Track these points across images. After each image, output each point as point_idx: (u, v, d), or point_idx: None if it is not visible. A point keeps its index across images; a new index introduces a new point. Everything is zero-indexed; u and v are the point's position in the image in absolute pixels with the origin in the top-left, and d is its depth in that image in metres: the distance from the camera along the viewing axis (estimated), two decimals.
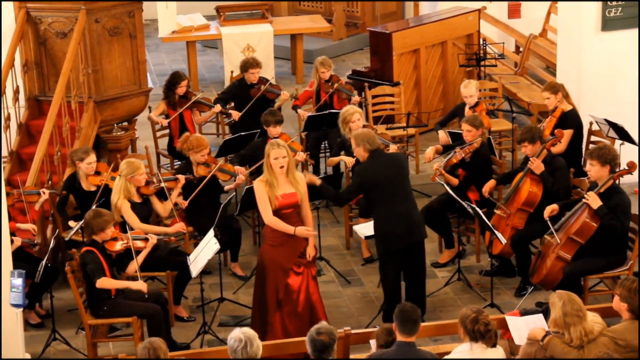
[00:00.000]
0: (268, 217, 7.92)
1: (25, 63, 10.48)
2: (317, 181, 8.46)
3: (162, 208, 9.05)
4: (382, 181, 8.26)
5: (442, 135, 10.35)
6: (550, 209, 8.51)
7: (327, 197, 8.73)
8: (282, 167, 7.86)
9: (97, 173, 9.17)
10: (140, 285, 7.99)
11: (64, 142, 9.92)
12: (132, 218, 8.69)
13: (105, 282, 7.88)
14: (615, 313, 6.74)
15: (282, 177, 7.92)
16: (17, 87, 10.31)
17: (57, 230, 9.04)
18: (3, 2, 10.27)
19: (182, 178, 9.15)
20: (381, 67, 12.31)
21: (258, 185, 7.94)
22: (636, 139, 9.81)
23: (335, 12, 15.81)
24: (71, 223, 9.02)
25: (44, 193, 8.93)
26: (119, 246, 8.08)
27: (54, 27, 10.39)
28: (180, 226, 8.85)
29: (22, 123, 10.43)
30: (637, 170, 8.37)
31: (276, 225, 7.90)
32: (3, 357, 7.22)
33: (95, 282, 7.84)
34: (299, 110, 11.35)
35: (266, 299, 8.02)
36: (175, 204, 9.12)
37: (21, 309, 7.42)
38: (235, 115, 10.98)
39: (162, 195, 9.11)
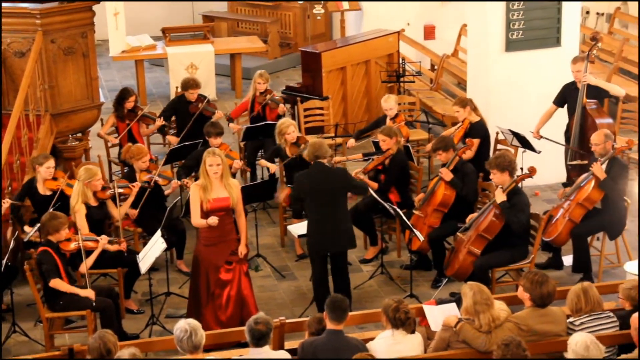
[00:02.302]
0: (194, 218, 7.91)
1: None
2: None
3: (116, 212, 8.94)
4: (309, 190, 8.19)
5: (351, 142, 10.71)
6: (471, 216, 8.61)
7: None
8: (215, 173, 7.84)
9: (54, 179, 9.05)
10: (88, 293, 7.85)
11: (22, 152, 9.76)
12: (83, 224, 8.54)
13: (57, 283, 7.79)
14: (519, 301, 6.80)
15: (217, 182, 7.89)
16: None
17: (17, 232, 8.89)
18: None
19: (137, 185, 9.06)
20: (312, 83, 12.34)
21: (193, 189, 7.94)
22: (537, 147, 9.98)
23: (270, 34, 15.81)
24: (26, 228, 8.88)
25: (5, 202, 8.79)
26: (72, 246, 8.00)
27: (13, 47, 10.24)
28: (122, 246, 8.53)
29: None
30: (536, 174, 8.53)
31: (197, 224, 7.93)
32: None
33: (49, 282, 7.76)
34: (231, 125, 11.34)
35: (199, 293, 8.01)
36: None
37: None
38: (173, 140, 10.81)
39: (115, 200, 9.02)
